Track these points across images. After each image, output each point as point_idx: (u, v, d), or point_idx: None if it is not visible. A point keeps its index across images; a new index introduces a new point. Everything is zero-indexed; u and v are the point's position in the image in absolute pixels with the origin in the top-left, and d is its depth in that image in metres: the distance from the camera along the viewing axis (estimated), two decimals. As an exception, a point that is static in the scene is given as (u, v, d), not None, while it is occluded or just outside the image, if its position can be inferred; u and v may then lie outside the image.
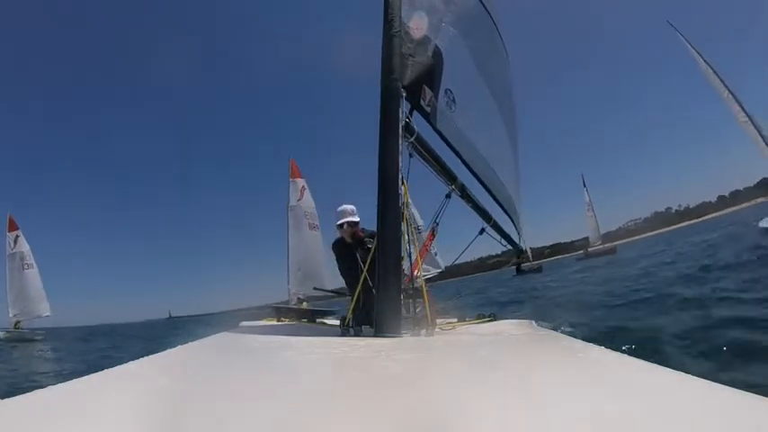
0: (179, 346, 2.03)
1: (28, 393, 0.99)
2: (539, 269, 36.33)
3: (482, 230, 3.88)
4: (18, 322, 24.61)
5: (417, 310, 2.66)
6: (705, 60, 18.54)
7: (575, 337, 2.24)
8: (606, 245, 39.91)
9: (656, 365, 1.21)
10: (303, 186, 22.78)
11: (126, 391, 1.12)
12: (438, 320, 2.91)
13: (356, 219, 3.50)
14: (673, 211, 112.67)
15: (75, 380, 1.15)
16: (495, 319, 3.69)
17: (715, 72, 18.42)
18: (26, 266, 26.20)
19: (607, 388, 1.04)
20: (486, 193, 3.78)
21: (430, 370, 1.45)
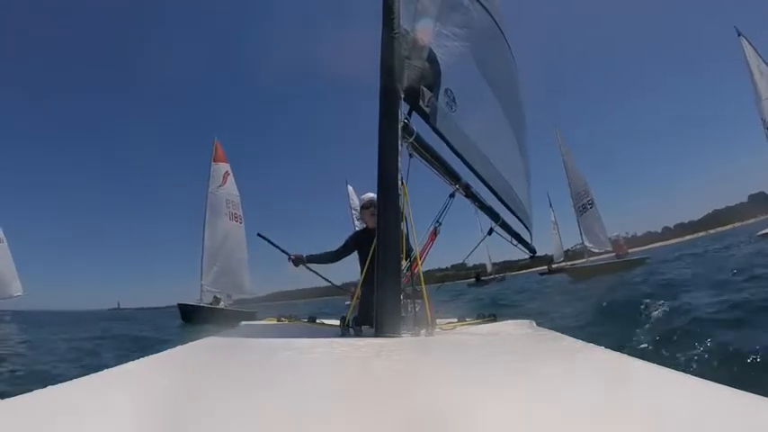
0: (179, 347, 2.04)
1: (28, 393, 0.99)
2: (502, 279, 37.07)
3: (491, 230, 3.88)
4: None
5: (417, 310, 2.65)
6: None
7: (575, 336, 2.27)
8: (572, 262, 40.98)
9: (656, 365, 1.23)
10: (227, 172, 21.93)
11: (126, 391, 1.13)
12: (438, 320, 2.91)
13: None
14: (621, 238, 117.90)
15: (75, 380, 1.16)
16: (496, 320, 3.70)
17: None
18: None
19: (608, 388, 1.05)
20: (491, 194, 3.71)
21: (430, 370, 1.46)
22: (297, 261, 3.60)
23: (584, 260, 24.15)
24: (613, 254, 23.00)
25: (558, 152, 25.17)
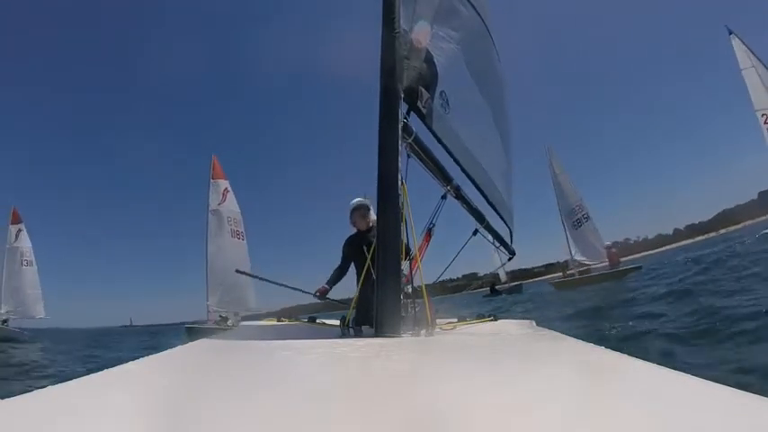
0: (179, 347, 2.02)
1: (28, 393, 0.98)
2: (518, 289, 36.58)
3: (475, 231, 3.93)
4: (6, 320, 23.11)
5: (417, 310, 2.66)
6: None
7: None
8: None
9: (656, 365, 1.23)
10: (226, 188, 21.74)
11: (126, 391, 1.12)
12: (438, 320, 2.93)
13: (368, 205, 3.51)
14: (631, 241, 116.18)
15: (75, 380, 1.14)
16: (496, 320, 3.69)
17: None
18: (25, 263, 24.84)
19: (607, 388, 1.06)
20: (479, 196, 3.80)
21: (430, 370, 1.46)
22: (323, 294, 3.67)
23: (572, 271, 25.51)
24: (606, 263, 23.83)
25: (549, 172, 26.86)
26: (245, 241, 21.41)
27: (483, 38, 3.96)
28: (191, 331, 17.64)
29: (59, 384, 1.08)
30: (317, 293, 3.67)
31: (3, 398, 0.90)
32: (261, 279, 4.03)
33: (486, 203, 3.95)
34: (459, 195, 3.53)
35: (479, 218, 3.90)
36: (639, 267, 21.98)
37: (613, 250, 24.15)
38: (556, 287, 24.04)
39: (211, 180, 21.55)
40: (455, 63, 3.31)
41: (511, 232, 4.67)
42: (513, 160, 4.87)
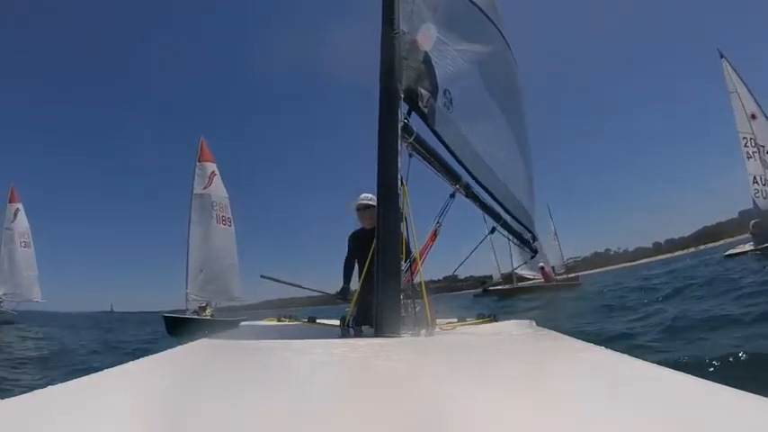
0: (179, 347, 2.04)
1: (28, 393, 0.99)
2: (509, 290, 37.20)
3: (493, 230, 3.89)
4: (0, 302, 23.29)
5: (417, 310, 2.65)
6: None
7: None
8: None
9: (656, 365, 1.23)
10: (213, 172, 20.80)
11: (126, 391, 1.13)
12: (438, 320, 2.91)
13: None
14: (611, 252, 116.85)
15: (75, 380, 1.16)
16: (496, 320, 3.69)
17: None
18: (23, 244, 24.80)
19: (608, 388, 1.05)
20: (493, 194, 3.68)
21: (430, 370, 1.46)
22: (345, 294, 3.65)
23: (514, 285, 28.79)
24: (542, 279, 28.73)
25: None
26: (232, 228, 20.60)
27: (491, 37, 3.91)
28: (168, 320, 16.57)
29: (59, 384, 1.09)
30: (340, 296, 3.67)
31: (3, 398, 0.91)
32: (285, 283, 4.03)
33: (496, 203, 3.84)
34: (471, 194, 3.47)
35: (495, 216, 3.84)
36: (578, 283, 27.28)
37: (546, 269, 29.07)
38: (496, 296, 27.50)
39: (198, 163, 20.61)
40: (459, 63, 3.29)
41: (532, 233, 4.59)
42: (531, 163, 4.79)
